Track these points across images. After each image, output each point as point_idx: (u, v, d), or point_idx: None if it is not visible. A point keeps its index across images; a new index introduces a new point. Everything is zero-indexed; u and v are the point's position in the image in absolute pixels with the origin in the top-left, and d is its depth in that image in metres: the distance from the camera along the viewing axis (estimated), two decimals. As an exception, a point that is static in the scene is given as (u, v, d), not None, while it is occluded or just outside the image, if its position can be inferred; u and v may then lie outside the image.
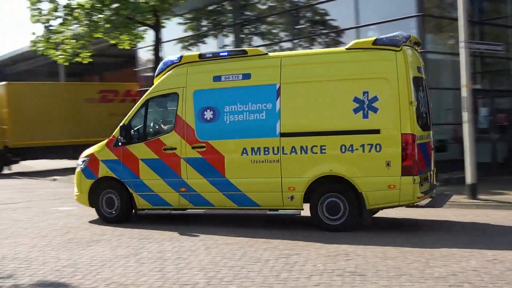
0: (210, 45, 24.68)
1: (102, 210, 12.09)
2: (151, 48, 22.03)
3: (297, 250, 8.76)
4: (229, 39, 24.21)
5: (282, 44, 21.94)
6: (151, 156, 11.48)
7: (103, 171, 11.97)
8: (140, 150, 11.62)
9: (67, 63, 22.15)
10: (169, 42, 25.83)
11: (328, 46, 20.59)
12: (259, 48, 11.44)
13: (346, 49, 10.34)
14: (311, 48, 21.36)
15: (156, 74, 12.05)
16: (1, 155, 26.68)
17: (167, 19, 23.28)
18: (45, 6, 21.39)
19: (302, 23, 22.02)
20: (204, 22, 25.52)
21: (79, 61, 22.41)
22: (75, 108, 28.19)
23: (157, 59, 20.89)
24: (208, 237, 9.90)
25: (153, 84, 11.95)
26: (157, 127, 12.00)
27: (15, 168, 28.06)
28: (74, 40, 21.30)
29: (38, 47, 21.86)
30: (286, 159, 10.34)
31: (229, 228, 10.86)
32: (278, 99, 10.50)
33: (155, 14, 20.90)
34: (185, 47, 25.67)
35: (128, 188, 11.74)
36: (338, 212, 10.18)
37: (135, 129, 11.84)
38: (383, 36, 10.02)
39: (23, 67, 49.10)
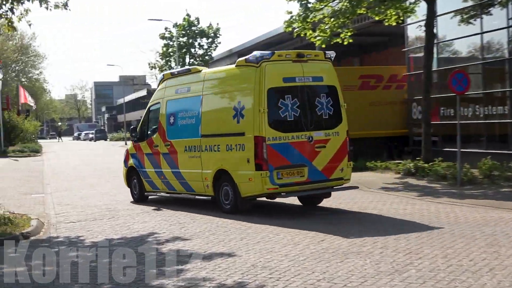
0: (496, 16, 23.56)
1: (133, 192, 18.50)
2: (423, 23, 21.74)
3: None
4: (522, 8, 22.85)
5: None
6: (149, 151, 17.70)
7: (130, 161, 18.60)
8: (144, 146, 17.93)
9: (324, 45, 22.87)
10: (445, 16, 25.25)
11: None
12: (197, 67, 17.39)
13: (235, 66, 15.01)
14: None
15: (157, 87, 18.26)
16: None
17: (444, -13, 22.74)
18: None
19: None
20: (489, -11, 24.42)
21: (338, 42, 22.99)
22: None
23: (431, 36, 20.58)
24: (490, 256, 9.45)
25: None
26: (152, 129, 17.87)
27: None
28: (333, 19, 21.86)
29: (293, 28, 22.88)
30: (203, 155, 15.57)
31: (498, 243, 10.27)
32: (201, 108, 15.80)
33: (428, -17, 20.56)
34: (463, 20, 24.85)
35: (140, 175, 17.99)
36: (229, 198, 14.84)
37: (144, 130, 18.16)
38: (250, 55, 14.49)
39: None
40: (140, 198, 18.01)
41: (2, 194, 20.93)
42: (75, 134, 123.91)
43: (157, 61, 58.28)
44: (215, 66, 63.33)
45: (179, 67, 52.69)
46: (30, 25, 15.70)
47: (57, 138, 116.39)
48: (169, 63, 55.49)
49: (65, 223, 14.65)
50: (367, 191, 18.72)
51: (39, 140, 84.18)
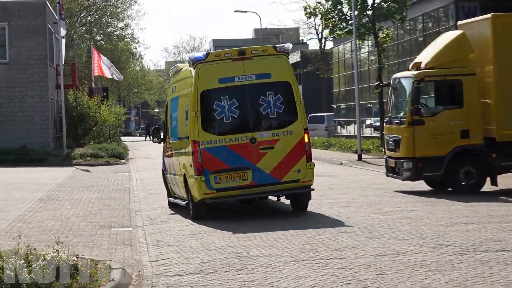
0: None
1: (168, 196, 27.39)
2: None
3: None
4: None
5: None
6: (165, 154, 26.94)
7: (162, 164, 28.03)
8: (164, 148, 27.31)
9: None
10: None
11: None
12: (179, 65, 26.73)
13: (188, 66, 23.58)
14: None
15: None
16: (479, 151, 27.79)
17: None
18: None
19: None
20: None
21: None
22: None
23: None
24: None
25: None
26: (167, 129, 27.22)
27: (504, 180, 29.06)
28: None
29: None
30: (181, 159, 23.67)
31: None
32: (177, 109, 24.52)
33: None
34: None
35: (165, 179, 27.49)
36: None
37: (165, 130, 27.53)
38: (193, 56, 23.15)
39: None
40: (169, 204, 26.61)
41: (65, 226, 21.90)
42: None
43: (319, 3, 58.47)
44: (417, 12, 63.00)
45: (355, 13, 52.60)
46: None
47: (145, 135, 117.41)
48: (339, 6, 55.32)
49: (167, 276, 14.98)
50: None
51: (123, 138, 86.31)
